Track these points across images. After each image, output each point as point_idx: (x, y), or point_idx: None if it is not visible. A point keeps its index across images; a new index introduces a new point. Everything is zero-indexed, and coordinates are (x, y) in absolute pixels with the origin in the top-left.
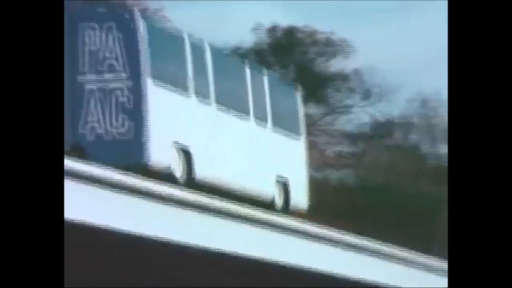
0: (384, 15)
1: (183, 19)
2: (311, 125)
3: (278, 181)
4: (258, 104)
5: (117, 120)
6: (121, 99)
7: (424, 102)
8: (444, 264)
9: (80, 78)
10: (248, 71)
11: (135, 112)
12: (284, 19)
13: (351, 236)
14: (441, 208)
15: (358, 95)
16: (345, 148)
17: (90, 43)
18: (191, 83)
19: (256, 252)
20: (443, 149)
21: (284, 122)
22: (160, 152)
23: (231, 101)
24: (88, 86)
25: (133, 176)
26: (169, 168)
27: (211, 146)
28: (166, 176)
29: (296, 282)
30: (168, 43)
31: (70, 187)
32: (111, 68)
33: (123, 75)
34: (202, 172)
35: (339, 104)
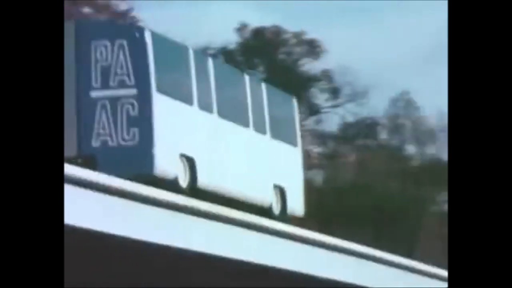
0: (356, 15)
1: (156, 20)
2: None
3: (275, 188)
4: (257, 112)
5: (128, 133)
6: (130, 112)
7: (395, 103)
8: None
9: (92, 93)
10: (247, 80)
11: (145, 124)
12: (255, 19)
13: (345, 241)
14: (411, 209)
15: (329, 96)
16: (315, 148)
17: (102, 60)
18: (195, 93)
19: (255, 257)
20: (412, 149)
21: (281, 130)
22: (167, 161)
23: (232, 109)
24: (99, 101)
25: (140, 184)
26: (174, 176)
27: (213, 154)
28: (170, 184)
29: (293, 286)
30: (173, 54)
31: (78, 194)
32: (122, 83)
33: (133, 90)
34: (204, 179)
35: (310, 104)
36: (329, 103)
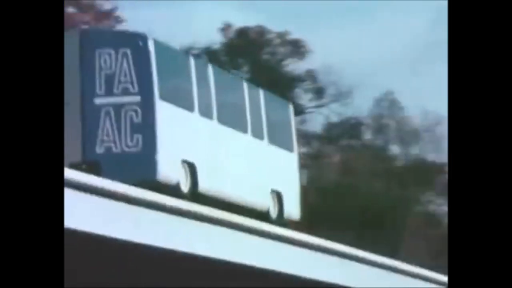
0: (340, 16)
1: (140, 19)
2: None
3: (273, 193)
4: (255, 118)
5: (131, 140)
6: (134, 119)
7: (379, 103)
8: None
9: (96, 100)
10: (245, 87)
11: (148, 131)
12: (239, 20)
13: (328, 242)
14: (396, 209)
15: (313, 96)
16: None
17: (106, 67)
18: (195, 100)
19: (252, 260)
20: (396, 149)
21: (278, 136)
22: (169, 167)
23: (231, 116)
24: (103, 108)
25: (143, 190)
26: (176, 181)
27: (213, 160)
28: (172, 189)
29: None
30: (175, 62)
31: (83, 199)
32: (126, 91)
33: (137, 97)
34: (205, 185)
35: (294, 104)
36: (313, 103)
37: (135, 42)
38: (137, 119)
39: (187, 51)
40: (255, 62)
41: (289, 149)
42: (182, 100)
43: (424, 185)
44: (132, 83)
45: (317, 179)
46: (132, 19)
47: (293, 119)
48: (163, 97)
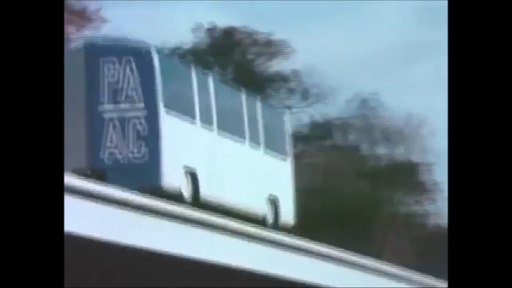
0: (323, 16)
1: (121, 19)
2: None
3: (269, 199)
4: (253, 127)
5: (134, 146)
6: (138, 127)
7: (363, 103)
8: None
9: (100, 108)
10: (244, 98)
11: (150, 138)
12: (222, 20)
13: (334, 249)
14: (380, 209)
15: (297, 96)
16: None
17: (109, 76)
18: (197, 109)
19: (249, 263)
20: (382, 149)
21: (274, 145)
22: (172, 174)
23: (230, 125)
24: (107, 115)
25: (147, 196)
26: (179, 188)
27: (213, 168)
28: (175, 196)
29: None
30: (177, 72)
31: (89, 206)
32: (129, 99)
33: (140, 105)
34: (205, 192)
35: (278, 104)
36: (297, 103)
37: (139, 52)
38: (141, 128)
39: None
40: (239, 63)
41: (284, 157)
42: (185, 110)
43: (408, 186)
44: (136, 92)
45: (301, 179)
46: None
47: (288, 128)
48: (167, 107)
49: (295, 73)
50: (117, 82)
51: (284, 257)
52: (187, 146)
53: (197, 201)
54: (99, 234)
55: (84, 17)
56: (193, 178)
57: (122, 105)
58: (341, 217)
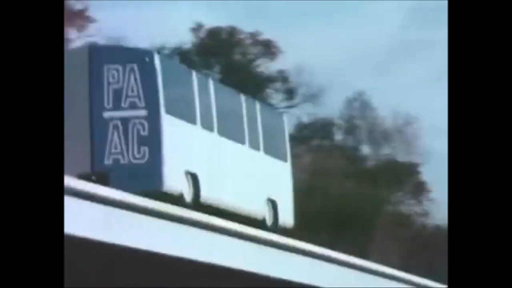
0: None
1: (111, 20)
2: None
3: (268, 202)
4: (252, 130)
5: (138, 152)
6: (142, 132)
7: (350, 103)
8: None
9: (105, 114)
10: (243, 100)
11: (154, 143)
12: (210, 20)
13: (332, 251)
14: (368, 210)
15: (284, 96)
16: None
17: (114, 82)
18: (197, 113)
19: (249, 265)
20: (367, 149)
21: (273, 146)
22: (174, 177)
23: (230, 128)
24: (111, 121)
25: (149, 199)
26: (180, 191)
27: (214, 171)
28: (176, 199)
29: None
30: (179, 77)
31: (92, 208)
32: (133, 105)
33: (144, 111)
34: (206, 194)
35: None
36: (285, 104)
37: (142, 58)
38: (144, 132)
39: (190, 67)
40: (227, 62)
41: (283, 159)
42: (186, 114)
43: (395, 185)
44: (139, 97)
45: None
46: (103, 20)
47: (287, 130)
48: (168, 111)
49: (283, 73)
50: (120, 87)
51: (284, 258)
52: (188, 149)
53: (197, 203)
54: (99, 234)
55: (84, 17)
56: (194, 180)
57: (125, 110)
58: (328, 217)
